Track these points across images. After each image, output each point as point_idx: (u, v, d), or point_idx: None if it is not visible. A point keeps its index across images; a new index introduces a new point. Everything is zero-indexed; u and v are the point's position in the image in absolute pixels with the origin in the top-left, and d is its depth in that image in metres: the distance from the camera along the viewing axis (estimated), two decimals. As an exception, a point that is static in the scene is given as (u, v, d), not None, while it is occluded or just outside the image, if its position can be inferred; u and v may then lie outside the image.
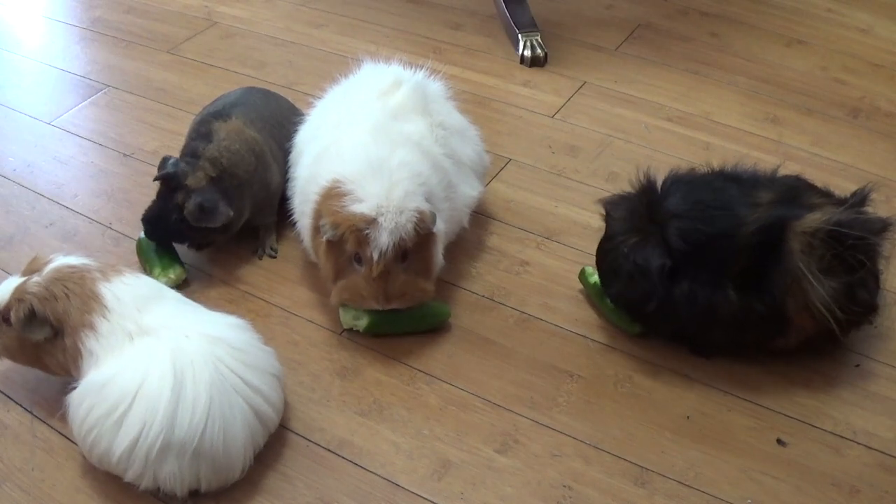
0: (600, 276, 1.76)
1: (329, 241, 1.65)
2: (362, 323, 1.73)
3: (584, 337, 1.78)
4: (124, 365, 1.42)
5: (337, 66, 2.06)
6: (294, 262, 1.95)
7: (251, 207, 1.90)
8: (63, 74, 2.60)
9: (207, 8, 2.91)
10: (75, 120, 2.40)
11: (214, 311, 1.59)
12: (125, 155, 2.26)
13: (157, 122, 2.38)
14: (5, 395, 1.65)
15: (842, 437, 1.59)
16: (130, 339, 1.45)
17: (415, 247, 1.65)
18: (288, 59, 2.65)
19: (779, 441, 1.59)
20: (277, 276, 1.92)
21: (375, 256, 1.60)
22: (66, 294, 1.49)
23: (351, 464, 1.55)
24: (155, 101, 2.46)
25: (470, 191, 1.89)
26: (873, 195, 1.68)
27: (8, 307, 1.50)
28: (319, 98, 1.97)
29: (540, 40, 2.63)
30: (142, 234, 1.89)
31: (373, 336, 1.76)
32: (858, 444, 1.58)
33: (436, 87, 1.94)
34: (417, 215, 1.62)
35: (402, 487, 1.51)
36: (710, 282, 1.60)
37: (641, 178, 1.68)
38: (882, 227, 1.63)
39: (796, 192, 1.66)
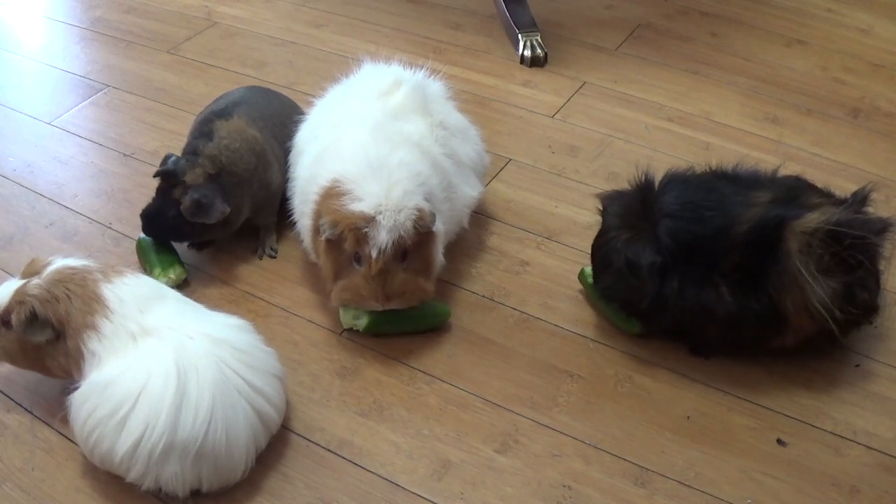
0: (593, 269, 1.77)
1: (328, 241, 1.65)
2: (362, 323, 1.73)
3: (584, 337, 1.78)
4: (127, 365, 1.42)
5: (337, 66, 2.06)
6: (294, 262, 1.95)
7: (251, 206, 1.90)
8: (63, 74, 2.60)
9: (207, 8, 2.91)
10: (75, 120, 2.40)
11: (215, 311, 1.59)
12: (125, 155, 2.26)
13: (157, 122, 2.38)
14: (5, 395, 1.65)
15: (842, 437, 1.59)
16: (133, 339, 1.45)
17: (414, 246, 1.65)
18: (288, 59, 2.65)
19: (779, 441, 1.59)
20: (277, 276, 1.92)
21: (374, 254, 1.60)
22: (67, 296, 1.48)
23: (351, 464, 1.55)
24: (155, 101, 2.46)
25: (470, 191, 1.89)
26: (873, 195, 1.68)
27: (8, 310, 1.50)
28: (319, 98, 1.97)
29: (540, 40, 2.63)
30: (142, 235, 1.89)
31: (373, 336, 1.76)
32: (858, 444, 1.58)
33: (436, 87, 1.94)
34: (416, 213, 1.62)
35: (402, 487, 1.51)
36: (701, 279, 1.61)
37: (640, 175, 1.69)
38: (882, 227, 1.63)
39: (796, 193, 1.66)
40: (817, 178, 1.82)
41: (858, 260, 1.57)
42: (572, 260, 1.93)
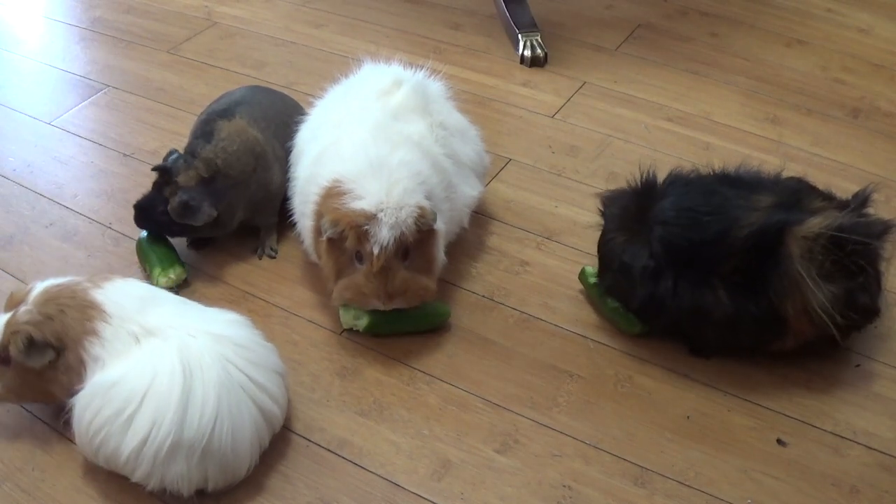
0: (599, 263, 1.79)
1: (330, 240, 1.65)
2: (362, 323, 1.73)
3: (584, 337, 1.78)
4: (132, 366, 1.42)
5: (337, 66, 2.06)
6: (294, 262, 1.95)
7: (248, 208, 1.91)
8: (63, 74, 2.60)
9: (207, 8, 2.91)
10: (75, 120, 2.40)
11: (211, 307, 1.59)
12: (125, 155, 2.26)
13: (157, 122, 2.38)
14: (5, 395, 1.65)
15: (842, 437, 1.59)
16: (136, 340, 1.45)
17: (416, 244, 1.65)
18: (288, 59, 2.65)
19: (779, 441, 1.59)
20: (277, 276, 1.92)
21: (376, 251, 1.60)
22: (61, 310, 1.47)
23: (351, 464, 1.55)
24: (155, 101, 2.46)
25: (470, 191, 1.89)
26: (874, 196, 1.68)
27: (4, 344, 1.47)
28: (319, 98, 1.97)
29: (540, 40, 2.63)
30: (142, 234, 1.90)
31: (373, 336, 1.76)
32: (858, 444, 1.58)
33: (436, 87, 1.94)
34: (418, 210, 1.62)
35: (402, 487, 1.51)
36: (699, 282, 1.61)
37: (641, 176, 1.69)
38: (883, 230, 1.62)
39: (798, 196, 1.66)
40: (817, 178, 1.82)
41: (860, 265, 1.57)
42: (572, 260, 1.93)
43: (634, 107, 2.45)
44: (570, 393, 1.67)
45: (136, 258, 1.92)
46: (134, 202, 1.87)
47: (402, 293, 1.65)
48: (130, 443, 1.39)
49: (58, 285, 1.52)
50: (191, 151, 1.85)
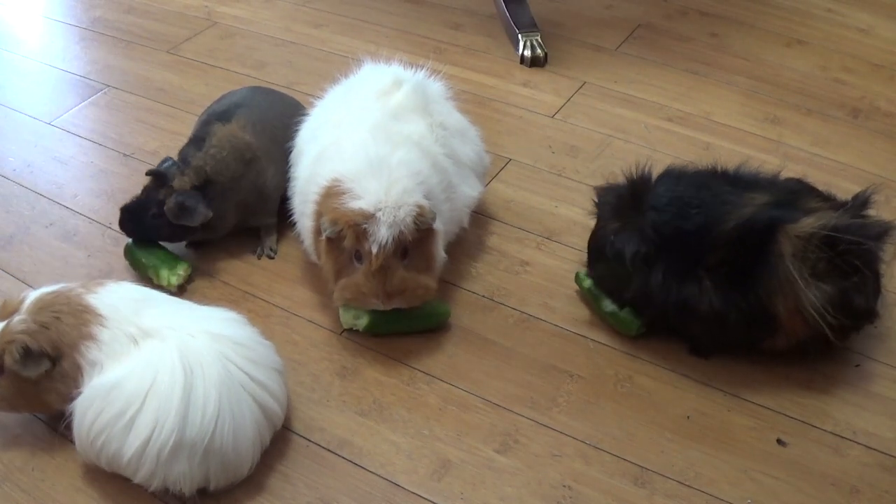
0: (588, 256, 1.80)
1: (329, 240, 1.65)
2: (362, 322, 1.73)
3: (584, 337, 1.78)
4: (133, 367, 1.41)
5: (337, 66, 2.06)
6: (294, 262, 1.95)
7: (241, 211, 1.92)
8: (63, 74, 2.60)
9: (207, 8, 2.91)
10: (75, 120, 2.40)
11: (206, 305, 1.60)
12: (125, 155, 2.26)
13: (157, 122, 2.38)
14: (5, 395, 1.65)
15: (842, 437, 1.59)
16: (135, 342, 1.45)
17: (415, 243, 1.64)
18: (288, 59, 2.65)
19: (779, 441, 1.59)
20: (277, 276, 1.92)
21: (374, 250, 1.60)
22: (56, 317, 1.46)
23: (351, 464, 1.55)
24: (155, 101, 2.46)
25: (470, 191, 1.89)
26: (874, 197, 1.67)
27: None
28: (319, 98, 1.97)
29: (540, 40, 2.63)
30: (129, 242, 1.89)
31: (373, 336, 1.76)
32: (858, 444, 1.58)
33: (436, 87, 1.94)
34: (416, 209, 1.62)
35: (402, 487, 1.51)
36: (685, 274, 1.62)
37: (635, 170, 1.70)
38: (881, 231, 1.62)
39: (795, 196, 1.66)
40: (817, 178, 1.83)
41: (854, 266, 1.57)
42: (572, 260, 1.93)
43: (634, 107, 2.45)
44: (570, 393, 1.67)
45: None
46: (121, 206, 1.86)
47: (402, 292, 1.65)
48: (133, 444, 1.39)
49: (51, 292, 1.51)
50: (183, 158, 1.88)
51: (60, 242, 1.99)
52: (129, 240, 1.90)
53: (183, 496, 1.44)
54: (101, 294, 1.51)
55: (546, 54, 2.62)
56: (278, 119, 2.01)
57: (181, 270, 1.85)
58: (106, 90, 2.51)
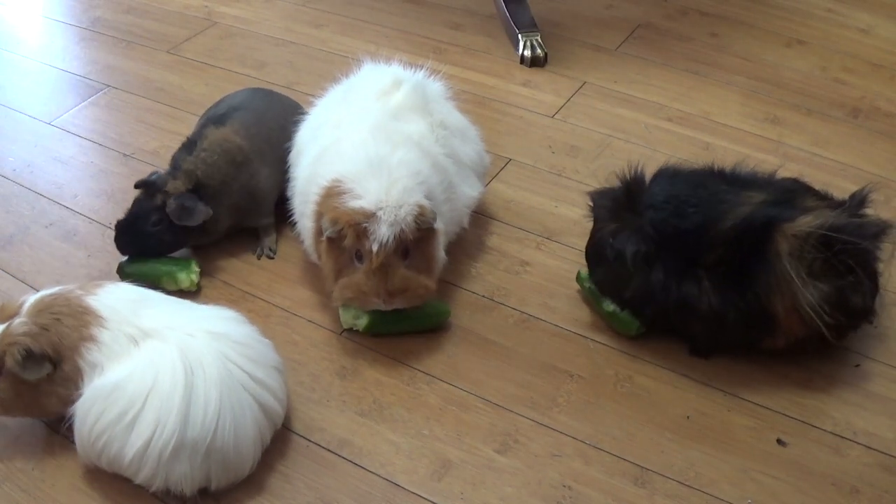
0: (586, 260, 1.79)
1: (329, 240, 1.65)
2: (362, 322, 1.73)
3: (584, 337, 1.78)
4: (133, 368, 1.41)
5: (337, 66, 2.06)
6: (294, 262, 1.95)
7: (234, 214, 1.93)
8: (63, 74, 2.60)
9: (207, 8, 2.91)
10: (75, 120, 2.40)
11: (204, 305, 1.60)
12: (125, 155, 2.26)
13: (157, 122, 2.38)
14: (5, 395, 1.65)
15: (842, 437, 1.59)
16: (135, 343, 1.45)
17: (416, 243, 1.64)
18: (288, 59, 2.65)
19: (779, 441, 1.59)
20: (277, 276, 1.92)
21: (375, 248, 1.59)
22: (56, 319, 1.46)
23: (351, 464, 1.55)
24: (155, 101, 2.46)
25: (470, 191, 1.89)
26: (872, 196, 1.68)
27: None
28: (319, 98, 1.97)
29: (540, 40, 2.63)
30: (123, 261, 1.87)
31: (373, 336, 1.76)
32: (858, 444, 1.58)
33: (436, 87, 1.94)
34: (417, 209, 1.62)
35: (402, 487, 1.51)
36: (684, 273, 1.62)
37: (629, 171, 1.70)
38: (878, 230, 1.61)
39: (792, 195, 1.66)
40: (817, 178, 1.83)
41: (849, 265, 1.57)
42: (572, 260, 1.93)
43: (634, 107, 2.45)
44: (570, 393, 1.67)
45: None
46: (116, 222, 1.84)
47: (403, 291, 1.65)
48: (134, 445, 1.39)
49: (51, 295, 1.51)
50: (174, 162, 1.88)
51: (60, 242, 1.99)
52: (123, 259, 1.87)
53: (184, 496, 1.44)
54: (100, 295, 1.50)
55: (546, 54, 2.62)
56: (275, 121, 2.01)
57: (195, 267, 1.86)
58: (106, 90, 2.51)
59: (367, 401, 1.65)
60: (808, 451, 1.57)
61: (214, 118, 1.97)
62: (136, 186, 1.86)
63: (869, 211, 1.67)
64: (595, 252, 1.75)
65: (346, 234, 1.61)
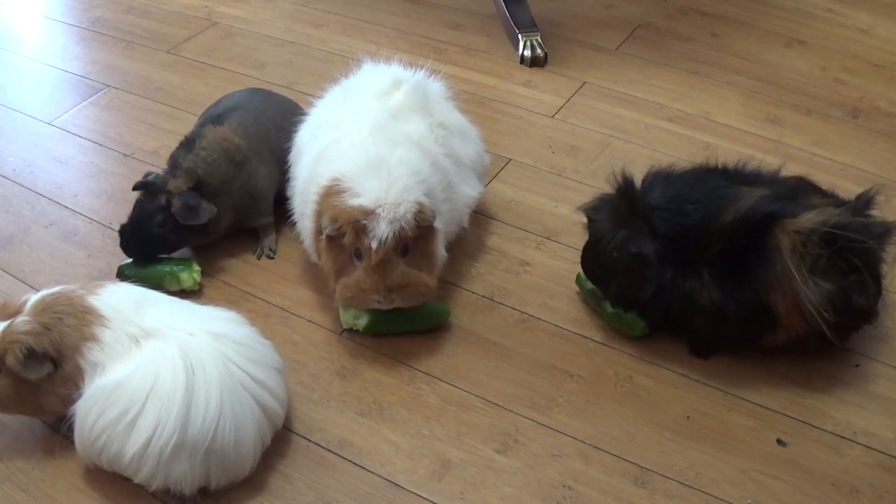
0: (594, 280, 1.77)
1: (329, 239, 1.64)
2: (362, 322, 1.73)
3: (584, 337, 1.78)
4: (135, 367, 1.41)
5: (337, 66, 2.06)
6: (294, 262, 1.95)
7: (234, 213, 1.92)
8: (63, 74, 2.60)
9: (207, 8, 2.91)
10: (75, 120, 2.40)
11: (205, 305, 1.60)
12: (125, 155, 2.26)
13: (157, 122, 2.38)
14: (5, 395, 1.65)
15: (842, 437, 1.59)
16: (136, 342, 1.45)
17: (415, 241, 1.64)
18: (288, 59, 2.65)
19: (779, 441, 1.59)
20: (277, 276, 1.92)
21: (374, 245, 1.59)
22: (58, 318, 1.45)
23: (351, 464, 1.55)
24: (155, 101, 2.46)
25: (470, 191, 1.89)
26: (877, 198, 1.67)
27: (0, 355, 1.44)
28: (319, 98, 1.97)
29: (540, 40, 2.63)
30: (125, 263, 1.86)
31: (373, 336, 1.76)
32: (858, 444, 1.58)
33: (436, 87, 1.94)
34: (417, 206, 1.62)
35: (402, 487, 1.51)
36: (688, 269, 1.61)
37: (618, 177, 1.69)
38: (883, 231, 1.62)
39: (796, 192, 1.66)
40: (817, 178, 1.82)
41: (854, 264, 1.56)
42: (572, 260, 1.93)
43: (634, 107, 2.45)
44: (570, 393, 1.67)
45: (136, 258, 1.90)
46: (120, 227, 1.83)
47: (403, 288, 1.64)
48: (134, 444, 1.39)
49: (53, 294, 1.51)
50: (173, 163, 1.88)
51: (60, 242, 1.99)
52: (123, 262, 1.86)
53: (184, 496, 1.45)
54: (102, 295, 1.50)
55: (546, 54, 2.62)
56: (273, 121, 2.01)
57: (196, 266, 1.86)
58: (106, 90, 2.51)
59: (367, 401, 1.65)
60: (808, 451, 1.57)
61: (213, 117, 1.97)
62: (136, 188, 1.85)
63: (874, 212, 1.67)
64: (605, 268, 1.70)
65: (345, 232, 1.61)
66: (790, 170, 1.84)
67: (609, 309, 1.76)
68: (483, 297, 1.87)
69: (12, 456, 1.55)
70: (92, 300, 1.49)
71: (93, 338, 1.45)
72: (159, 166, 2.00)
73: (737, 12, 2.89)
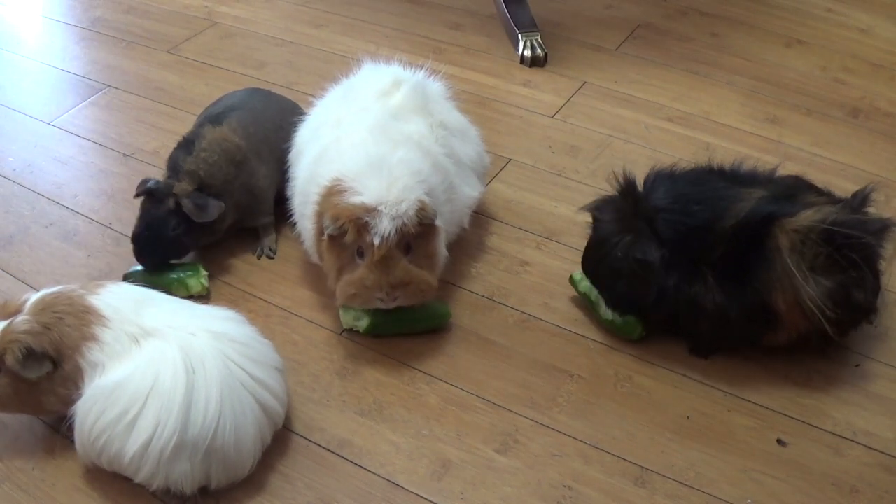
0: (595, 281, 1.75)
1: (331, 238, 1.64)
2: (363, 324, 1.73)
3: (584, 337, 1.78)
4: (135, 367, 1.41)
5: (337, 66, 2.06)
6: (294, 262, 1.95)
7: (236, 212, 1.92)
8: (63, 74, 2.60)
9: (207, 8, 2.91)
10: (75, 120, 2.40)
11: (204, 305, 1.60)
12: (125, 155, 2.26)
13: (157, 122, 2.38)
14: (5, 395, 1.65)
15: (842, 437, 1.59)
16: (136, 342, 1.45)
17: (417, 239, 1.64)
18: (288, 59, 2.65)
19: (779, 441, 1.59)
20: (277, 276, 1.92)
21: (377, 241, 1.58)
22: (58, 318, 1.45)
23: (351, 464, 1.55)
24: (155, 101, 2.46)
25: (470, 191, 1.89)
26: (874, 195, 1.68)
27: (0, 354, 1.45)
28: (319, 98, 1.97)
29: (540, 40, 2.63)
30: (135, 268, 1.85)
31: (373, 337, 1.76)
32: (858, 444, 1.58)
33: (436, 87, 1.94)
34: (419, 203, 1.62)
35: (402, 487, 1.51)
36: (692, 271, 1.61)
37: (620, 178, 1.68)
38: (880, 227, 1.62)
39: (793, 191, 1.66)
40: (817, 178, 1.83)
41: (852, 260, 1.57)
42: (572, 260, 1.93)
43: (634, 107, 2.45)
44: (570, 393, 1.67)
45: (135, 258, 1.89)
46: (132, 236, 1.82)
47: (405, 285, 1.63)
48: (134, 444, 1.39)
49: (53, 293, 1.51)
50: (173, 165, 1.87)
51: (60, 242, 1.99)
52: (128, 271, 1.86)
53: (184, 496, 1.45)
54: (102, 295, 1.50)
55: (546, 54, 2.62)
56: (272, 121, 2.01)
57: (203, 271, 1.85)
58: (106, 90, 2.51)
59: (367, 401, 1.65)
60: (808, 451, 1.57)
61: (211, 117, 1.97)
62: (139, 195, 1.83)
63: (871, 210, 1.67)
64: (610, 271, 1.68)
65: (346, 230, 1.60)
66: (790, 170, 1.85)
67: (604, 315, 1.75)
68: (483, 297, 1.87)
69: (12, 456, 1.55)
70: (92, 300, 1.49)
71: (93, 338, 1.45)
72: (159, 166, 2.00)
73: (737, 12, 2.89)
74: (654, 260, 1.61)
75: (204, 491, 1.45)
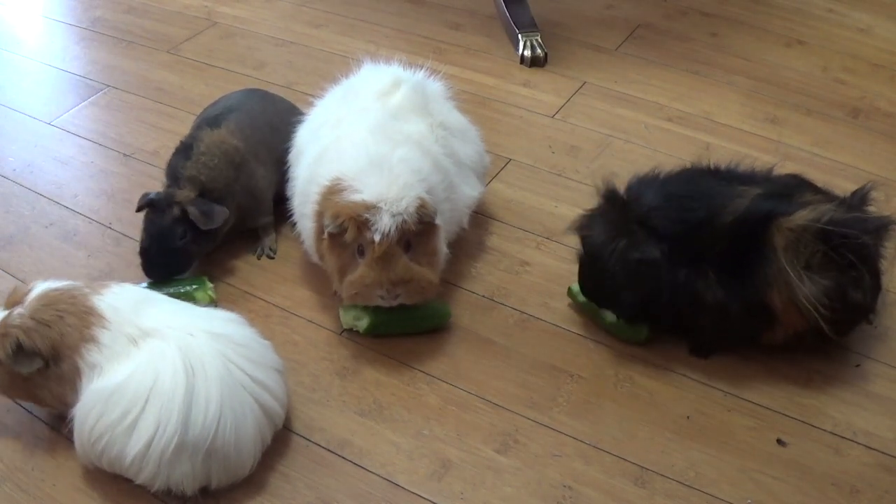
0: (598, 299, 1.73)
1: (332, 237, 1.64)
2: (363, 324, 1.73)
3: (584, 337, 1.78)
4: (134, 368, 1.41)
5: (337, 66, 2.06)
6: (294, 262, 1.95)
7: (237, 214, 1.92)
8: (63, 74, 2.60)
9: (207, 8, 2.91)
10: (75, 120, 2.40)
11: (204, 306, 1.60)
12: (125, 155, 2.26)
13: (157, 122, 2.38)
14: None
15: (842, 437, 1.59)
16: (134, 343, 1.44)
17: (417, 237, 1.63)
18: (288, 59, 2.65)
19: (779, 441, 1.59)
20: (277, 276, 1.92)
21: (377, 238, 1.58)
22: (59, 316, 1.45)
23: (351, 464, 1.55)
24: (155, 101, 2.46)
25: (470, 191, 1.89)
26: (873, 194, 1.68)
27: None
28: (319, 98, 1.97)
29: (540, 40, 2.63)
30: (142, 285, 1.81)
31: (373, 336, 1.76)
32: (858, 444, 1.58)
33: (436, 87, 1.94)
34: (419, 201, 1.62)
35: (402, 487, 1.51)
36: (693, 268, 1.61)
37: (602, 189, 1.67)
38: (878, 226, 1.62)
39: (790, 189, 1.66)
40: (817, 178, 1.82)
41: (849, 259, 1.57)
42: (572, 260, 1.92)
43: (634, 107, 2.45)
44: (570, 393, 1.67)
45: (137, 259, 1.87)
46: (140, 249, 1.80)
47: (406, 282, 1.63)
48: (135, 446, 1.39)
49: (57, 289, 1.50)
50: (172, 172, 1.86)
51: (60, 242, 1.99)
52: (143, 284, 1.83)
53: (185, 496, 1.45)
54: (105, 296, 1.50)
55: (546, 54, 2.62)
56: (269, 122, 2.01)
57: (209, 283, 1.83)
58: (106, 90, 2.51)
59: (367, 401, 1.65)
60: (808, 451, 1.57)
61: (209, 120, 1.96)
62: (141, 208, 1.82)
63: (871, 208, 1.67)
64: (615, 283, 1.64)
65: (347, 228, 1.60)
66: (790, 170, 1.85)
67: (608, 319, 1.75)
68: (483, 297, 1.87)
69: (12, 456, 1.55)
70: (95, 301, 1.49)
71: (92, 339, 1.44)
72: (159, 166, 2.00)
73: (737, 12, 2.89)
74: (656, 256, 1.60)
75: (204, 491, 1.46)
